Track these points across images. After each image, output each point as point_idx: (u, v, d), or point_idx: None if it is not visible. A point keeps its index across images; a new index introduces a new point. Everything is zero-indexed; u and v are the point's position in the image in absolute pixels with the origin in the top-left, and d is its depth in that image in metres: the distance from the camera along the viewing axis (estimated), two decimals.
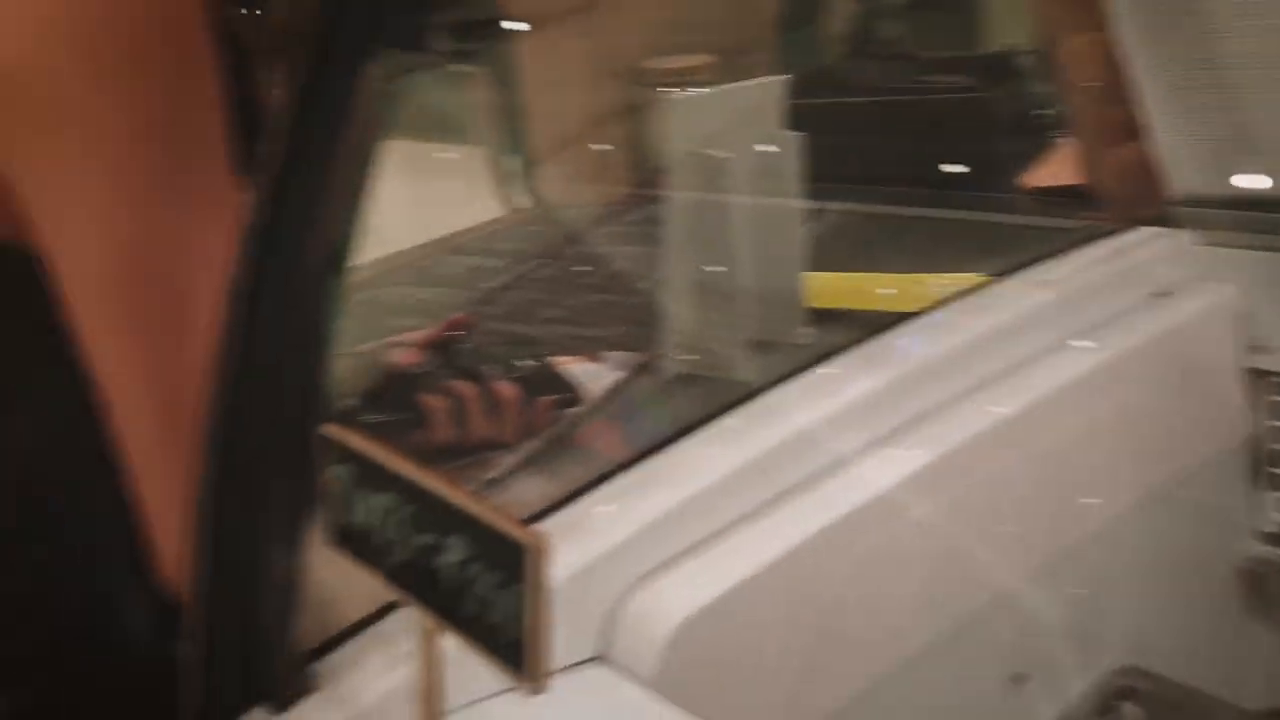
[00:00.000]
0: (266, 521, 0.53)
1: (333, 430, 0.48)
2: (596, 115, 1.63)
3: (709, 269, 0.96)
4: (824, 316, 1.01)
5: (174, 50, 0.56)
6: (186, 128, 0.57)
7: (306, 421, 0.52)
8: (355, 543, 0.48)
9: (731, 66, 1.68)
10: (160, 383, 0.57)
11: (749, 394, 0.79)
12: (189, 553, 0.52)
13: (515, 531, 0.40)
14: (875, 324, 0.90)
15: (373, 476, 0.46)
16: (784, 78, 1.00)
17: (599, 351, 1.05)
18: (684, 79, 1.60)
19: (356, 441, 0.47)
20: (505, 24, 1.38)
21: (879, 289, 1.10)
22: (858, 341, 0.87)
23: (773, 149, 0.97)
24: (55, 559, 0.65)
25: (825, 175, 1.01)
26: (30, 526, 0.64)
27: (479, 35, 1.19)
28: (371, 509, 0.47)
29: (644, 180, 1.64)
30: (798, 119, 1.00)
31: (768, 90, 0.99)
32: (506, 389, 0.83)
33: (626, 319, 1.12)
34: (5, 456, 0.64)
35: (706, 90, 0.93)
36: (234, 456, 0.51)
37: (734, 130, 0.95)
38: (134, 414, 0.58)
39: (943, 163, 1.43)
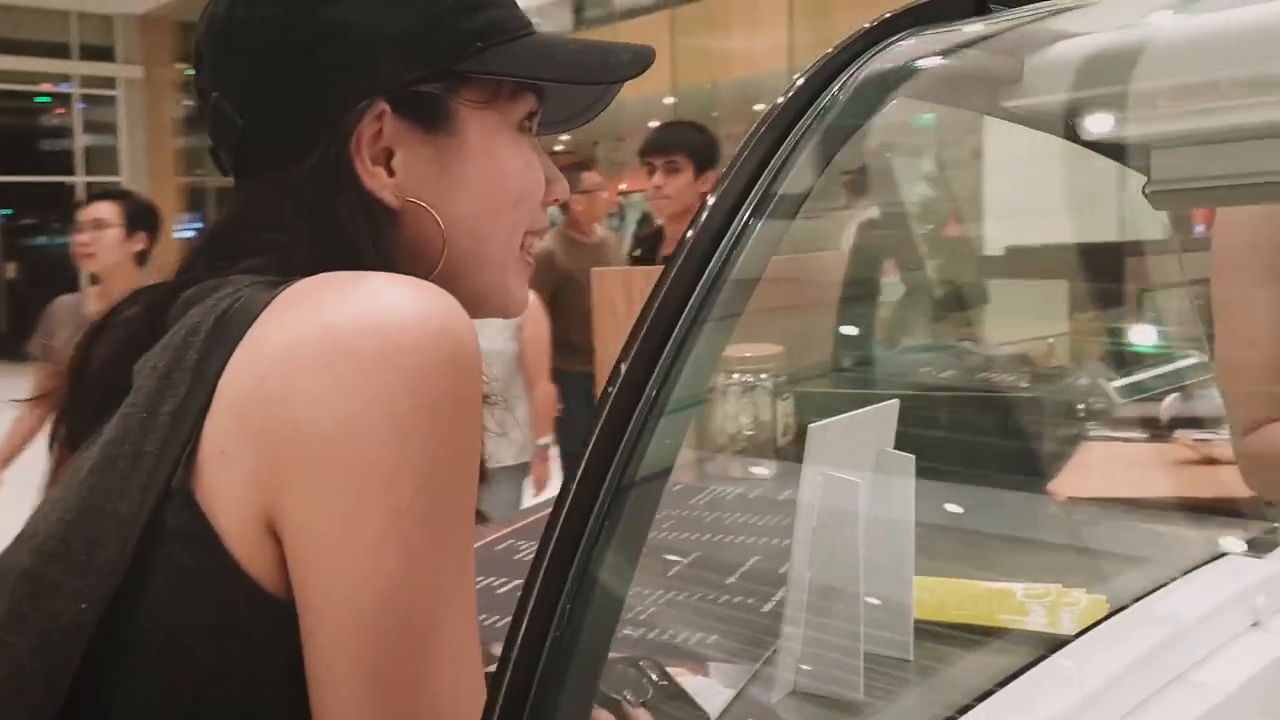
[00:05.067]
0: None
1: None
2: None
3: (832, 584, 0.96)
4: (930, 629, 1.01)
5: (457, 409, 0.59)
6: (454, 482, 0.59)
7: None
8: None
9: (794, 358, 1.75)
10: None
11: None
12: None
13: None
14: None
15: None
16: (895, 401, 1.04)
17: (703, 662, 1.04)
18: (753, 367, 1.66)
19: None
20: None
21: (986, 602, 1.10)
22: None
23: (890, 469, 1.00)
24: None
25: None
26: None
27: None
28: None
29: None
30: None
31: (884, 414, 1.03)
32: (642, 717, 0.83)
33: (731, 622, 1.12)
34: None
35: (841, 417, 0.96)
36: None
37: (857, 452, 0.98)
38: None
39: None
